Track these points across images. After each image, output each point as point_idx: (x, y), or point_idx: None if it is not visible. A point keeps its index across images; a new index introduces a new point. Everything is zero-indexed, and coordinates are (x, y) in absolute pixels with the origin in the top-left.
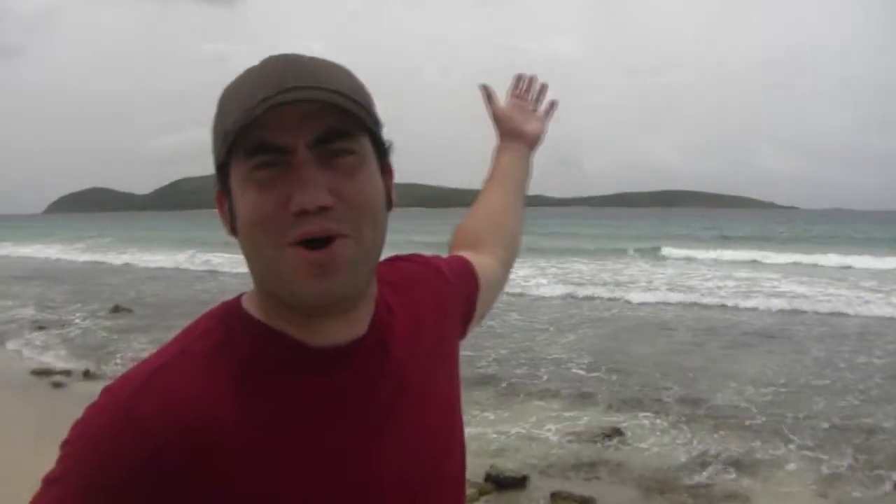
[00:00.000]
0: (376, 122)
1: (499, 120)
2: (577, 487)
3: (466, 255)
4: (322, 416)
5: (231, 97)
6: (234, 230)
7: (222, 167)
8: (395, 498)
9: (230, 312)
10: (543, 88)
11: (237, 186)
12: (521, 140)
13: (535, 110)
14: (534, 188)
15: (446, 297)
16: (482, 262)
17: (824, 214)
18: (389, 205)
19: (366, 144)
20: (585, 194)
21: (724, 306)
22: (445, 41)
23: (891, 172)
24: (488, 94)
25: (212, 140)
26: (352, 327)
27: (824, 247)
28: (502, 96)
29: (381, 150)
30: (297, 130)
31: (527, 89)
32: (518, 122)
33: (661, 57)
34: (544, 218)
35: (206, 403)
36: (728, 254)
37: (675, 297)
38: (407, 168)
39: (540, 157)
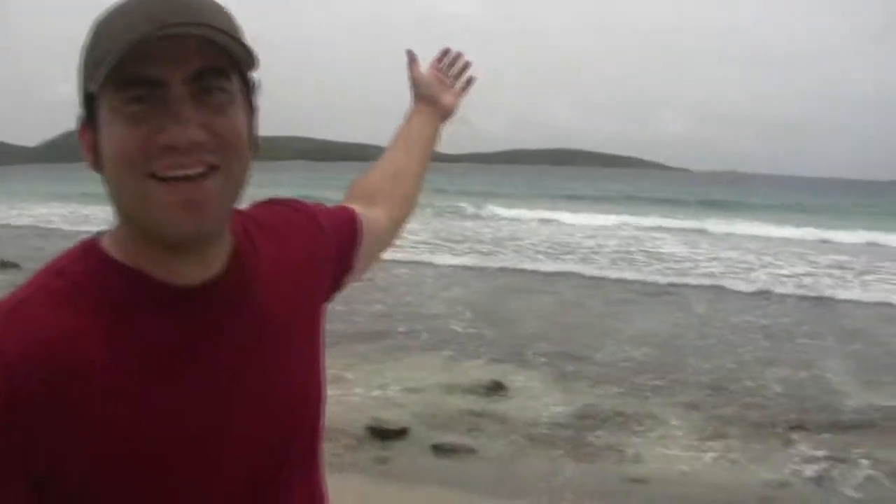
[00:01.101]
0: (253, 61)
1: (417, 85)
2: (459, 439)
3: (356, 206)
4: (181, 355)
5: (106, 28)
6: (97, 164)
7: (90, 99)
8: (248, 440)
9: (88, 251)
10: (466, 66)
11: (106, 119)
12: (433, 108)
13: (452, 86)
14: None
15: (318, 246)
16: (371, 215)
17: (713, 176)
18: (254, 145)
19: (236, 83)
20: (477, 151)
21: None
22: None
23: (786, 138)
24: (412, 59)
25: (80, 70)
26: (210, 265)
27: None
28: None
29: (249, 89)
30: (173, 65)
31: (450, 64)
32: (435, 90)
33: (562, 18)
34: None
35: (65, 342)
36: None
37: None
38: (291, 120)
39: None
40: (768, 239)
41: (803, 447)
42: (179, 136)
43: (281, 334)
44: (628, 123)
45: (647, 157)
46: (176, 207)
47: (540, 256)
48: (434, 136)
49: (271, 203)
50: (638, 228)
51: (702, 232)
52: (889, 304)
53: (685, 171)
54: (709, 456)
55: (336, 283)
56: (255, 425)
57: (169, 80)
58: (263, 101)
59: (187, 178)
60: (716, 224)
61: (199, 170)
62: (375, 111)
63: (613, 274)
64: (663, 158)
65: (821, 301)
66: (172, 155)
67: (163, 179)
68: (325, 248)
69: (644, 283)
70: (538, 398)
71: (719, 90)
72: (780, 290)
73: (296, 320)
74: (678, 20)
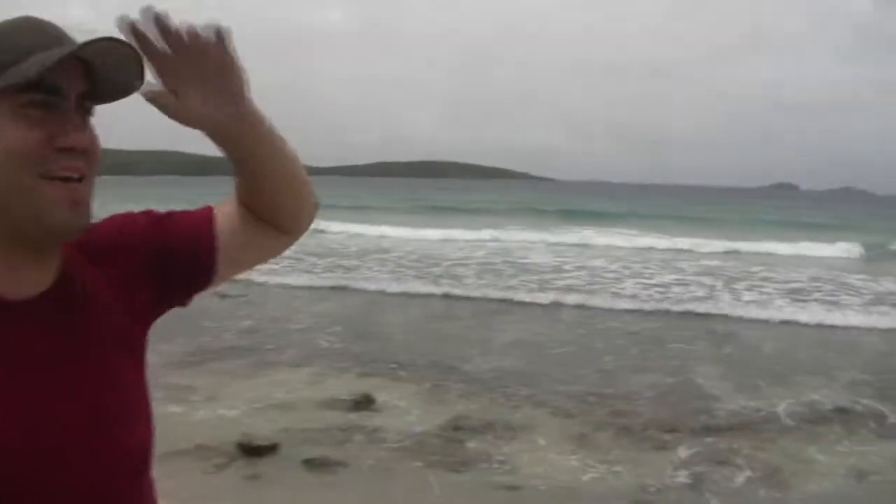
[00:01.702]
0: (137, 86)
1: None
2: (330, 453)
3: (222, 210)
4: (11, 368)
5: (5, 36)
6: None
7: None
8: (80, 456)
9: None
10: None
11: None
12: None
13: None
14: None
15: (156, 257)
16: (238, 217)
17: (580, 186)
18: None
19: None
20: (347, 163)
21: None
22: (204, 6)
23: (652, 148)
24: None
25: None
26: (44, 279)
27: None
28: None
29: None
30: (71, 80)
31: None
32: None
33: (427, 29)
34: None
35: None
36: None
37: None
38: (162, 134)
39: (302, 128)
40: (636, 248)
41: (678, 451)
42: (79, 140)
43: (107, 349)
44: (497, 134)
45: (515, 167)
46: (64, 204)
47: (406, 270)
48: (265, 140)
49: (104, 221)
50: (505, 239)
51: (568, 242)
52: (757, 309)
53: (552, 181)
54: (582, 462)
55: (185, 289)
56: (87, 442)
57: (69, 91)
58: (140, 116)
59: (68, 180)
60: (583, 234)
61: (77, 175)
62: None
63: (480, 286)
64: (531, 169)
65: (689, 309)
66: (68, 157)
67: (52, 179)
68: (161, 259)
69: (512, 294)
70: (408, 410)
71: (585, 102)
72: (648, 298)
73: (121, 336)
74: (542, 31)
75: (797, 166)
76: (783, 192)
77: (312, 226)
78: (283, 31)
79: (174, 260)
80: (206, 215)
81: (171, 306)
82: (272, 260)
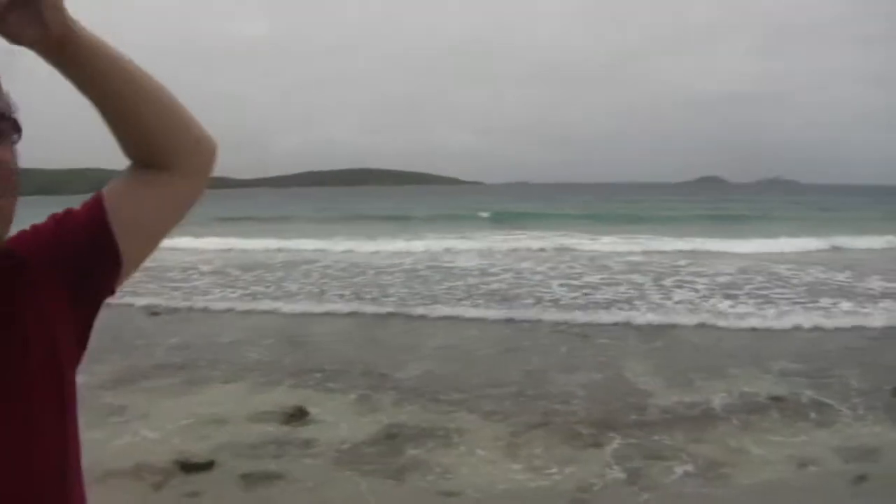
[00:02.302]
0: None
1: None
2: (267, 467)
3: (112, 183)
4: None
5: None
6: None
7: None
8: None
9: None
10: None
11: None
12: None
13: None
14: (217, 171)
15: (64, 260)
16: (119, 188)
17: (506, 188)
18: (19, 180)
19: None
20: (270, 175)
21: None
22: (136, 16)
23: (571, 148)
24: None
25: None
26: None
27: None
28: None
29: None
30: None
31: None
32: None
33: (344, 39)
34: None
35: None
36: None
37: None
38: (83, 152)
39: (229, 141)
40: (562, 248)
41: (614, 448)
42: (3, 156)
43: (28, 361)
44: (421, 140)
45: (441, 172)
46: None
47: (332, 281)
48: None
49: (13, 238)
50: (432, 246)
51: (495, 245)
52: (688, 306)
53: (480, 184)
54: (518, 463)
55: (101, 280)
56: (4, 448)
57: None
58: (61, 136)
59: None
60: (510, 236)
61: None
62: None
63: (407, 293)
64: (457, 173)
65: (618, 307)
66: None
67: None
68: (68, 259)
69: (439, 300)
70: (342, 421)
71: (510, 107)
72: (576, 298)
73: (45, 347)
74: (463, 40)
75: (721, 160)
76: (711, 186)
77: (211, 166)
78: (211, 42)
79: (78, 254)
80: (96, 195)
81: (96, 304)
82: (179, 215)
